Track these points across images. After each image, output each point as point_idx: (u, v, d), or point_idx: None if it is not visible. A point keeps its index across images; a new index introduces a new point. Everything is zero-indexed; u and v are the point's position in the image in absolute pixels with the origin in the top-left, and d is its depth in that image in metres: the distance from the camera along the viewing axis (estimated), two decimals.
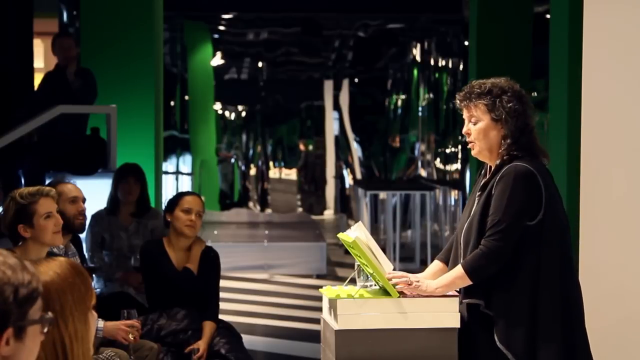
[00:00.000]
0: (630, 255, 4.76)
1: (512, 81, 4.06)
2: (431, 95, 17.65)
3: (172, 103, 17.00)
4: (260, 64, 18.32)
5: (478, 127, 4.01)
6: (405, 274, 4.04)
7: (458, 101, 4.07)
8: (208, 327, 5.61)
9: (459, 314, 3.97)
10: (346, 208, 17.75)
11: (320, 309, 4.40)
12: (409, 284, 3.99)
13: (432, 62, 17.65)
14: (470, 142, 4.04)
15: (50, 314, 1.96)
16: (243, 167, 18.52)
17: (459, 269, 3.93)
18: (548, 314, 3.87)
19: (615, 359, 4.71)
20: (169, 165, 16.62)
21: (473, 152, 4.06)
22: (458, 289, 4.03)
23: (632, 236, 4.76)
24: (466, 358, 3.99)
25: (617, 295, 4.71)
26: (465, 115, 4.06)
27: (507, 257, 3.89)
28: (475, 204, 4.01)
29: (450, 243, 4.19)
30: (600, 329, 4.66)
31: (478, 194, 4.02)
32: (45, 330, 1.97)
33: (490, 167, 4.04)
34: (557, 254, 3.91)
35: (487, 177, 4.02)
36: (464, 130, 4.05)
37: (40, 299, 1.96)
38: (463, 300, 3.99)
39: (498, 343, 3.88)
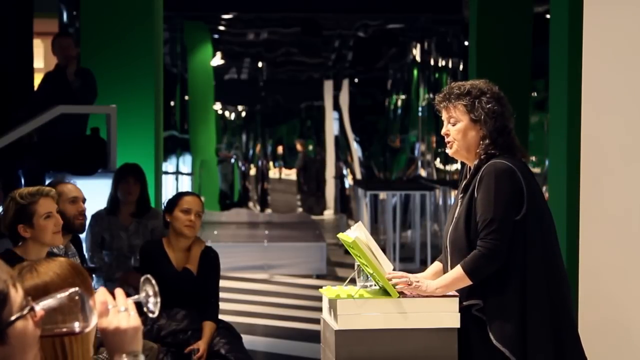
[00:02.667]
0: (631, 256, 4.76)
1: (491, 83, 4.10)
2: (431, 96, 17.64)
3: (172, 103, 17.00)
4: (260, 64, 18.32)
5: (457, 128, 4.03)
6: (405, 274, 4.05)
7: (437, 102, 4.09)
8: (208, 327, 5.61)
9: (459, 314, 3.98)
10: (346, 208, 17.75)
11: (320, 309, 4.40)
12: (409, 284, 3.99)
13: (432, 62, 17.65)
14: (449, 142, 4.06)
15: (30, 301, 1.94)
16: (243, 167, 18.52)
17: (458, 270, 3.93)
18: (535, 312, 3.89)
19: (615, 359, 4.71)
20: (169, 166, 16.61)
21: (450, 152, 4.09)
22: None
23: (632, 236, 4.76)
24: (461, 357, 4.00)
25: (617, 295, 4.71)
26: (444, 116, 4.09)
27: (505, 252, 3.90)
28: (458, 206, 4.03)
29: None
30: (599, 329, 4.66)
31: (460, 195, 4.04)
32: (38, 317, 1.95)
33: (470, 168, 4.06)
34: (541, 251, 3.94)
35: (468, 178, 4.04)
36: (443, 131, 4.09)
37: (16, 296, 1.92)
38: (464, 303, 3.99)
39: (495, 342, 3.88)
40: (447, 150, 4.10)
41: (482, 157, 3.98)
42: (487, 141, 3.98)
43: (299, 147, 18.66)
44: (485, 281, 3.92)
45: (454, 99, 4.03)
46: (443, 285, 3.97)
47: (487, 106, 3.99)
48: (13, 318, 1.89)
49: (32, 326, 1.95)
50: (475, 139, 4.01)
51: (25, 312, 1.92)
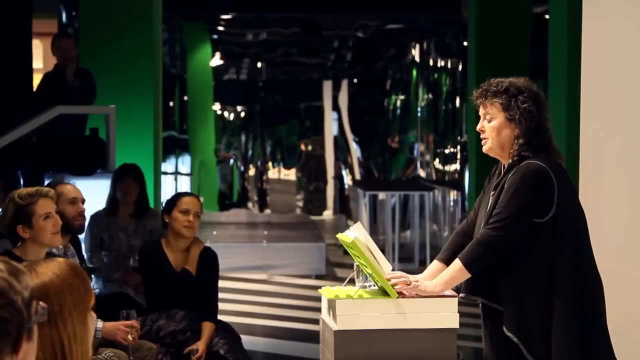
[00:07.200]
0: (630, 256, 4.76)
1: (530, 82, 4.07)
2: (430, 96, 17.65)
3: (171, 103, 16.99)
4: (259, 65, 18.32)
5: (492, 125, 4.02)
6: (404, 274, 4.05)
7: (474, 98, 4.08)
8: (207, 327, 5.61)
9: (458, 314, 3.98)
10: (345, 208, 17.75)
11: (319, 310, 4.40)
12: (408, 284, 3.99)
13: (431, 63, 17.65)
14: (484, 139, 4.06)
15: (42, 303, 1.97)
16: (242, 168, 18.52)
17: (456, 263, 3.94)
18: (563, 310, 3.87)
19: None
20: (168, 166, 16.61)
21: (484, 148, 4.07)
22: (457, 288, 4.03)
23: (631, 236, 4.76)
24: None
25: (615, 295, 4.71)
26: (480, 112, 4.07)
27: (505, 249, 3.88)
28: (489, 204, 4.01)
29: (450, 243, 4.20)
30: None
31: (492, 193, 4.02)
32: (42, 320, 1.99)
33: (504, 165, 4.05)
34: (571, 252, 3.90)
35: (501, 176, 4.03)
36: (478, 127, 4.07)
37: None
38: (464, 294, 3.99)
39: (515, 339, 3.87)
40: (483, 147, 4.08)
41: (515, 158, 3.97)
42: (521, 141, 3.96)
43: (302, 147, 18.65)
44: (507, 278, 3.91)
45: (490, 96, 4.02)
46: (442, 282, 3.97)
47: (523, 106, 3.97)
48: (39, 315, 1.92)
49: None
50: (509, 138, 4.00)
51: (45, 311, 1.95)
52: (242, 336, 5.94)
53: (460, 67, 16.40)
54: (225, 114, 18.60)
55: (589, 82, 4.87)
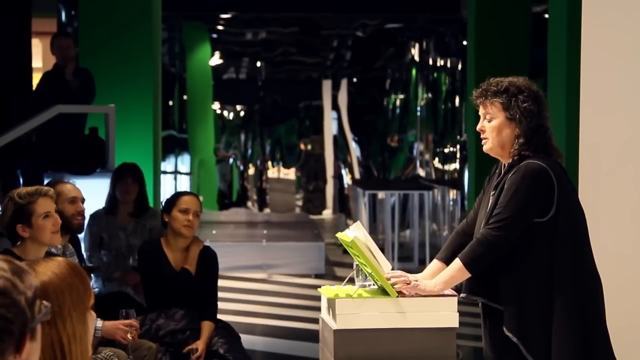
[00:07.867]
0: (630, 255, 4.76)
1: (530, 81, 4.06)
2: (430, 95, 17.65)
3: (170, 103, 16.99)
4: (258, 64, 18.31)
5: (492, 125, 4.02)
6: (403, 273, 4.05)
7: (474, 98, 4.08)
8: (206, 327, 5.61)
9: (458, 313, 3.98)
10: (345, 208, 17.74)
11: (318, 309, 4.40)
12: (408, 284, 3.99)
13: (430, 62, 17.65)
14: (484, 139, 4.05)
15: (45, 302, 1.97)
16: (241, 167, 18.51)
17: (456, 262, 3.94)
18: (563, 310, 3.87)
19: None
20: (167, 165, 16.61)
21: (485, 148, 4.07)
22: (457, 288, 4.04)
23: (631, 236, 4.76)
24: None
25: (613, 296, 4.71)
26: (480, 112, 4.07)
27: (505, 248, 3.88)
28: (489, 204, 4.01)
29: (450, 242, 4.20)
30: None
31: (492, 193, 4.02)
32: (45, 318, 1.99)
33: (504, 165, 4.05)
34: (571, 251, 3.90)
35: (501, 176, 4.02)
36: (479, 127, 4.07)
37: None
38: (465, 294, 3.99)
39: (515, 339, 3.87)
40: (483, 147, 4.07)
41: (515, 157, 3.97)
42: (521, 140, 3.96)
43: (301, 146, 18.64)
44: (507, 277, 3.91)
45: (490, 96, 4.02)
46: (442, 281, 3.97)
47: (524, 105, 3.97)
48: (43, 314, 1.93)
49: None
50: (510, 137, 4.00)
51: (49, 310, 1.95)
52: (241, 335, 5.94)
53: (459, 67, 16.40)
54: (225, 113, 18.58)
55: (588, 81, 4.87)
